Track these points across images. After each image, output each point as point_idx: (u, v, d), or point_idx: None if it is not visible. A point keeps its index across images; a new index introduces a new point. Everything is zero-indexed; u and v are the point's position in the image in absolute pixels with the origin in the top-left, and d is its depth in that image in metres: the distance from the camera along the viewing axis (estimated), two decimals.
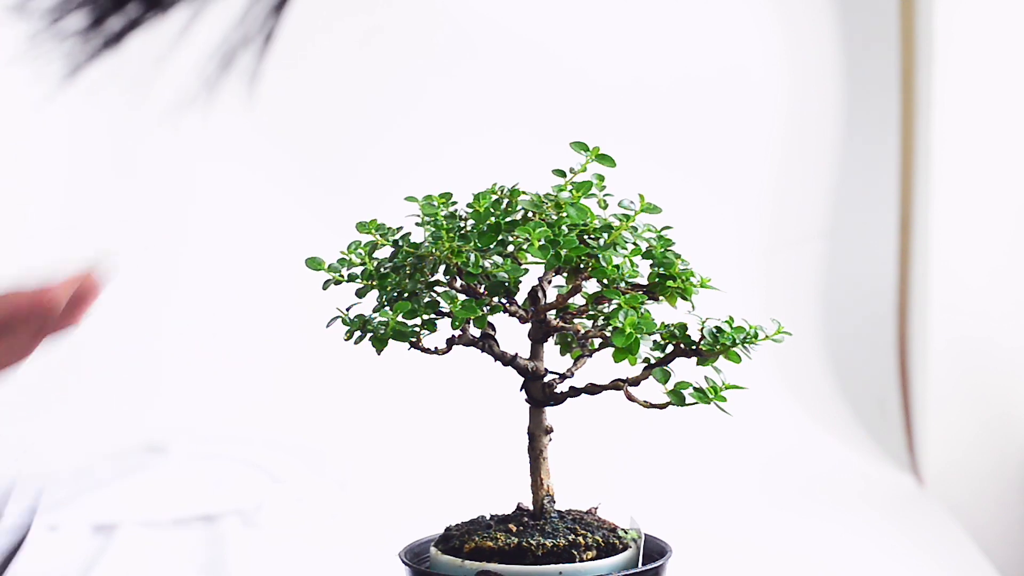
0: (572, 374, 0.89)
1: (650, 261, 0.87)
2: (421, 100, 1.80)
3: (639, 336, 0.83)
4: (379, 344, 0.86)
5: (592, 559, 0.85)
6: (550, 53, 1.81)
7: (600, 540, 0.86)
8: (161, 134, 1.75)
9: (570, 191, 0.86)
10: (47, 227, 1.76)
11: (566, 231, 0.85)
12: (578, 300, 0.89)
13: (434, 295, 0.87)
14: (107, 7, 0.58)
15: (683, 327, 0.86)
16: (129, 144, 1.77)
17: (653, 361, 0.86)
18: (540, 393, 0.89)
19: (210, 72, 0.61)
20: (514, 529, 0.87)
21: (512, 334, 0.92)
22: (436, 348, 0.88)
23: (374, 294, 0.89)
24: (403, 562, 0.88)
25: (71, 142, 1.76)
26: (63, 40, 0.59)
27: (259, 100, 1.78)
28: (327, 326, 0.88)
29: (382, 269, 0.89)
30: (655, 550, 0.88)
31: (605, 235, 0.86)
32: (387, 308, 0.87)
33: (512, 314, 0.88)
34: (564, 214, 0.85)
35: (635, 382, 0.87)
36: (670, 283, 0.86)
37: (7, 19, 0.59)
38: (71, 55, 0.59)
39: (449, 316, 0.86)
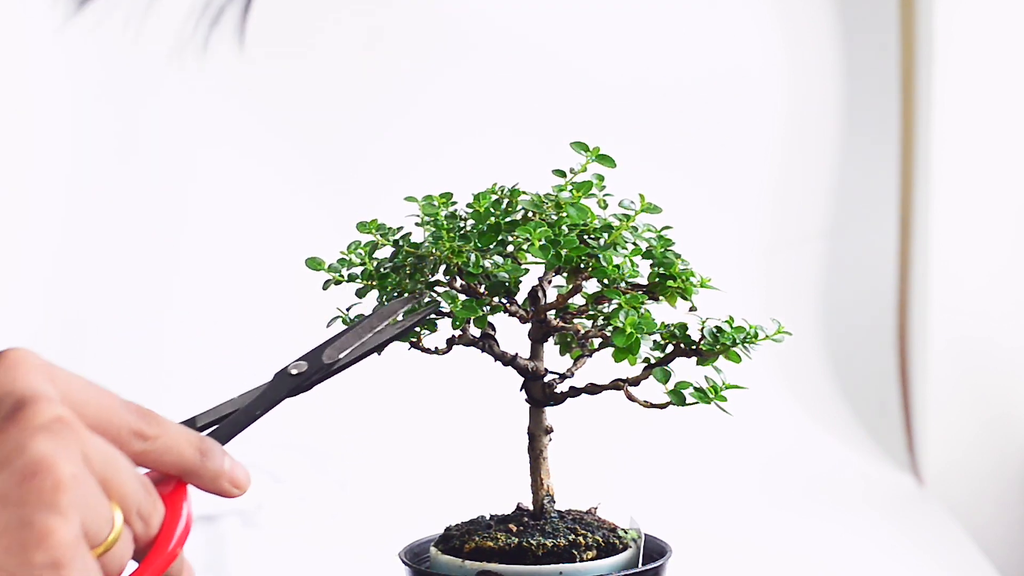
0: (572, 374, 0.89)
1: (650, 261, 0.87)
2: (421, 100, 1.80)
3: (639, 336, 0.83)
4: None
5: (592, 559, 0.85)
6: (550, 53, 1.80)
7: (600, 540, 0.86)
8: (156, 114, 1.74)
9: (570, 191, 0.86)
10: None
11: (566, 231, 0.85)
12: (578, 300, 0.89)
13: (434, 295, 0.87)
14: None
15: (683, 327, 0.86)
16: (124, 123, 1.76)
17: (653, 361, 0.86)
18: (540, 393, 0.89)
19: (198, 25, 0.62)
20: (514, 529, 0.87)
21: (512, 334, 0.92)
22: (436, 348, 0.88)
23: (374, 294, 0.89)
24: (403, 562, 0.88)
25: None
26: None
27: (258, 100, 1.78)
28: (327, 326, 0.88)
29: (382, 269, 0.89)
30: (655, 550, 0.88)
31: (605, 235, 0.86)
32: None
33: (512, 314, 0.88)
34: (564, 214, 0.85)
35: (635, 382, 0.87)
36: (670, 283, 0.86)
37: None
38: None
39: (449, 316, 0.86)
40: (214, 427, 0.74)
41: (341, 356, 0.73)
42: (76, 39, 1.65)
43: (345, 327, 0.76)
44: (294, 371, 0.73)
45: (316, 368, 0.73)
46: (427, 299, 0.84)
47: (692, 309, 0.87)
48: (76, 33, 1.51)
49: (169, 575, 0.68)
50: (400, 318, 0.76)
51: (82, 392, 0.65)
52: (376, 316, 0.75)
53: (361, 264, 0.90)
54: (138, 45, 1.60)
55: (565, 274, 0.87)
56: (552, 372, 0.89)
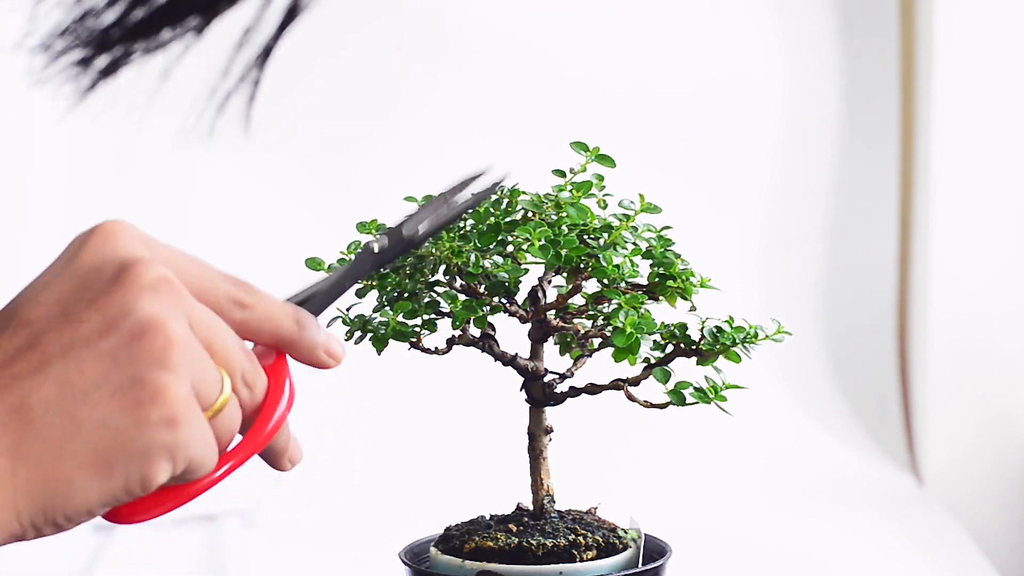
0: (572, 374, 0.89)
1: (650, 261, 0.87)
2: (422, 102, 1.80)
3: (639, 336, 0.83)
4: (379, 344, 0.87)
5: (592, 559, 0.85)
6: (551, 58, 1.81)
7: (600, 540, 0.86)
8: (159, 144, 1.75)
9: (570, 191, 0.86)
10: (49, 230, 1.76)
11: (566, 231, 0.85)
12: (578, 300, 0.89)
13: (434, 295, 0.87)
14: (97, 45, 0.58)
15: (683, 327, 0.86)
16: (128, 153, 1.77)
17: (653, 361, 0.86)
18: (540, 393, 0.89)
19: (203, 113, 0.61)
20: (514, 529, 0.87)
21: (512, 334, 0.92)
22: (436, 348, 0.88)
23: (374, 294, 0.89)
24: (403, 562, 0.88)
25: (72, 145, 1.76)
26: (62, 72, 0.59)
27: (257, 100, 1.78)
28: (327, 326, 0.88)
29: (382, 269, 0.89)
30: (655, 550, 0.88)
31: (605, 235, 0.86)
32: (387, 308, 0.87)
33: (512, 314, 0.88)
34: (564, 214, 0.85)
35: (635, 382, 0.87)
36: (670, 283, 0.86)
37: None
38: (75, 85, 0.59)
39: (449, 316, 0.86)
40: (305, 301, 0.74)
41: (420, 229, 0.74)
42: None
43: (422, 205, 0.77)
44: (376, 247, 0.74)
45: (397, 241, 0.73)
46: (498, 179, 0.83)
47: (692, 309, 0.87)
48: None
49: (274, 446, 0.68)
50: (473, 191, 0.76)
51: (180, 259, 0.64)
52: (450, 191, 0.76)
53: None
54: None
55: (565, 274, 0.87)
56: (552, 372, 0.89)
